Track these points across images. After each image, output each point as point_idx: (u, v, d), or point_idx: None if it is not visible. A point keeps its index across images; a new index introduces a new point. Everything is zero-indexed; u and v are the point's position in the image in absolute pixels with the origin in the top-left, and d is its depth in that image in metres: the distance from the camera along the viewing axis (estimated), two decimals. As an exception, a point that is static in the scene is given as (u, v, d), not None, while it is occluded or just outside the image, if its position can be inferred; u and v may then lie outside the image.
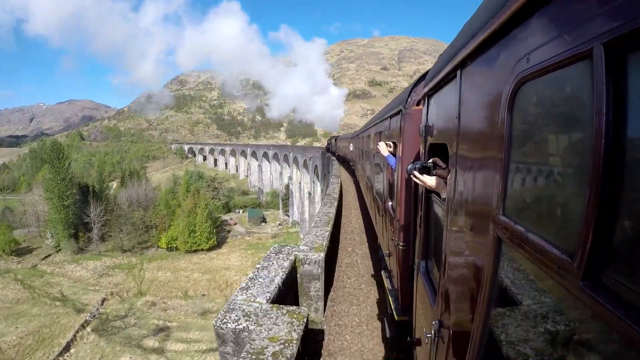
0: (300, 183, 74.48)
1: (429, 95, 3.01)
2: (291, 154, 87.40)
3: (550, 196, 1.12)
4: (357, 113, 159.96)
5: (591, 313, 0.81)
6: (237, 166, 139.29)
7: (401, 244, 4.59)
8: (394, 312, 4.87)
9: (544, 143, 1.16)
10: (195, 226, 66.25)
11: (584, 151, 0.88)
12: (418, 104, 4.25)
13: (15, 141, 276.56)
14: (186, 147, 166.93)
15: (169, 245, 68.40)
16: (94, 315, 46.24)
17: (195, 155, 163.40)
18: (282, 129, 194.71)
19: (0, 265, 63.06)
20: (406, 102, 4.43)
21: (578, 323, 0.97)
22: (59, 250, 68.79)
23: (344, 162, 33.84)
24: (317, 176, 58.25)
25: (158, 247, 69.60)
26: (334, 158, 35.86)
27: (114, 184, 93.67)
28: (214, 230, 68.52)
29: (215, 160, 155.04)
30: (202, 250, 66.78)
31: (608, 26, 0.77)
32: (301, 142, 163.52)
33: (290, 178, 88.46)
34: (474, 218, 1.71)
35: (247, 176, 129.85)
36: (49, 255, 67.63)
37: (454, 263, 2.01)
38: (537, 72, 1.10)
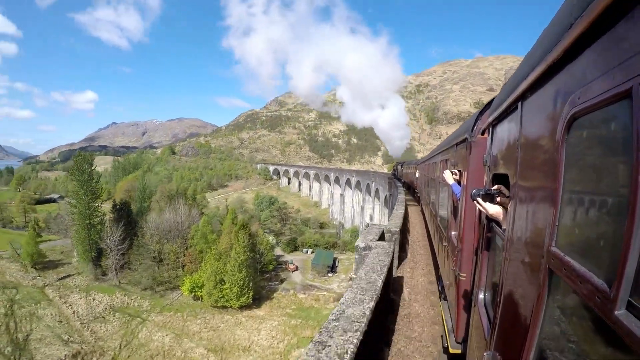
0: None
1: (493, 124, 3.05)
2: (373, 184, 66.23)
3: (596, 228, 1.18)
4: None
5: (625, 343, 0.84)
6: (320, 193, 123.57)
7: (461, 274, 4.57)
8: (449, 344, 4.99)
9: (592, 177, 1.24)
10: (225, 275, 48.91)
11: (626, 186, 0.95)
12: (483, 132, 4.20)
13: (125, 151, 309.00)
14: (271, 168, 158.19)
15: (194, 293, 52.32)
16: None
17: (280, 177, 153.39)
18: (379, 153, 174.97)
19: (17, 277, 56.17)
20: (472, 130, 4.42)
21: (615, 353, 1.00)
22: (81, 272, 58.71)
23: (409, 188, 32.91)
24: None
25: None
26: (400, 184, 35.32)
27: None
28: (250, 284, 50.19)
29: (300, 184, 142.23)
30: (232, 307, 48.96)
31: None
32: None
33: (371, 218, 66.91)
34: (529, 249, 1.75)
35: (329, 206, 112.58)
36: (69, 276, 58.88)
37: (509, 294, 2.04)
38: (586, 108, 1.16)
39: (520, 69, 2.10)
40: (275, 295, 56.11)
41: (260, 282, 58.41)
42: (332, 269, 69.12)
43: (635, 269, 0.86)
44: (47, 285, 54.10)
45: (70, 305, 49.41)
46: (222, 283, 49.38)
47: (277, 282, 62.18)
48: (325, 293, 57.36)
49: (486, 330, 2.63)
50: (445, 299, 6.39)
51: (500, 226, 2.64)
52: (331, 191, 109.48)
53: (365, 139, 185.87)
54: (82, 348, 40.10)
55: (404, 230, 16.09)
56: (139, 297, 52.82)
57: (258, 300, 52.92)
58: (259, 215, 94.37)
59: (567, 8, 1.32)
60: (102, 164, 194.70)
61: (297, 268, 69.18)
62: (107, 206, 70.79)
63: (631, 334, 0.80)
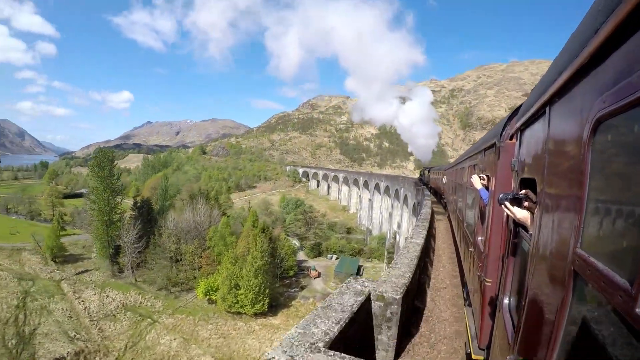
0: (408, 238, 48.33)
1: (522, 129, 3.10)
2: (402, 190, 61.89)
3: (620, 230, 1.21)
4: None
5: None
6: (349, 197, 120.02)
7: (487, 280, 4.51)
8: (471, 351, 4.94)
9: (617, 180, 1.28)
10: (240, 280, 46.40)
11: None
12: (512, 137, 4.21)
13: (158, 150, 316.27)
14: (301, 170, 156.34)
15: (209, 297, 50.13)
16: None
17: (309, 180, 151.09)
18: (411, 157, 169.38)
19: (35, 269, 56.54)
20: (500, 135, 4.41)
21: (637, 351, 1.03)
22: (98, 268, 58.16)
23: (436, 194, 31.93)
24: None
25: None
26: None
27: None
28: (266, 291, 47.36)
29: (329, 188, 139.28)
30: (246, 314, 46.34)
31: None
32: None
33: (399, 225, 62.53)
34: (555, 252, 1.79)
35: (357, 210, 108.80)
36: (87, 271, 58.54)
37: (534, 297, 2.08)
38: (611, 112, 1.19)
39: (548, 74, 2.15)
40: (293, 303, 53.09)
41: (279, 288, 55.70)
42: (356, 277, 65.27)
43: None
44: (63, 279, 53.94)
45: (83, 300, 48.66)
46: (237, 288, 46.92)
47: (297, 289, 59.12)
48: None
49: (510, 335, 2.63)
50: (469, 305, 6.25)
51: (527, 231, 2.64)
52: (360, 195, 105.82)
53: (397, 143, 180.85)
54: (86, 346, 38.87)
55: (421, 278, 11.08)
56: (152, 297, 51.32)
57: (275, 307, 50.06)
58: (284, 217, 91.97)
59: (593, 14, 1.35)
60: (135, 161, 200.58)
61: (319, 275, 65.88)
62: (129, 202, 70.63)
63: None
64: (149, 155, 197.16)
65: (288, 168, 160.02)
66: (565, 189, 1.69)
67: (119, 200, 61.00)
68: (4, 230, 71.31)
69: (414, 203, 47.08)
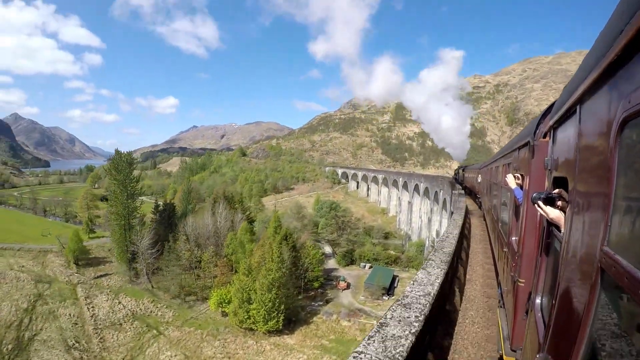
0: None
1: (554, 128, 3.13)
2: (441, 192, 54.33)
3: None
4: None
5: None
6: (388, 199, 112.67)
7: (520, 280, 4.46)
8: (503, 352, 4.90)
9: None
10: (253, 293, 41.91)
11: None
12: (545, 136, 4.19)
13: (203, 153, 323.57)
14: (340, 171, 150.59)
15: (222, 309, 46.01)
16: None
17: (348, 181, 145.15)
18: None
19: (55, 272, 55.73)
20: (534, 133, 4.37)
21: None
22: (117, 273, 56.43)
23: (471, 194, 31.67)
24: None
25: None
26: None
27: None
28: (282, 307, 42.52)
29: (368, 189, 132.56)
30: (259, 330, 41.65)
31: None
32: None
33: (437, 233, 55.03)
34: (584, 250, 1.83)
35: (397, 214, 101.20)
36: (106, 275, 57.03)
37: (564, 295, 2.13)
38: (637, 111, 1.21)
39: (578, 73, 2.17)
40: (314, 319, 47.56)
41: (301, 301, 50.59)
42: (390, 290, 58.34)
43: None
44: (80, 283, 52.45)
45: (93, 306, 46.73)
46: (249, 302, 42.28)
47: (321, 303, 53.54)
48: (374, 322, 47.19)
49: (540, 334, 2.68)
50: (502, 306, 6.23)
51: (560, 231, 2.64)
52: (399, 197, 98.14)
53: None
54: (81, 357, 36.50)
55: (453, 280, 10.22)
56: (165, 306, 48.31)
57: (293, 323, 44.98)
58: (318, 221, 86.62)
59: (618, 14, 1.37)
60: (178, 164, 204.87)
61: (348, 286, 59.76)
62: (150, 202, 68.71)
63: None
64: (186, 158, 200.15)
65: (327, 169, 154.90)
66: (594, 187, 1.71)
67: (138, 204, 58.99)
68: (36, 231, 72.49)
69: (451, 212, 40.43)
